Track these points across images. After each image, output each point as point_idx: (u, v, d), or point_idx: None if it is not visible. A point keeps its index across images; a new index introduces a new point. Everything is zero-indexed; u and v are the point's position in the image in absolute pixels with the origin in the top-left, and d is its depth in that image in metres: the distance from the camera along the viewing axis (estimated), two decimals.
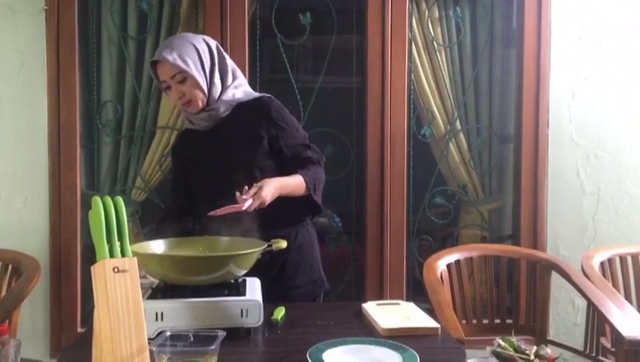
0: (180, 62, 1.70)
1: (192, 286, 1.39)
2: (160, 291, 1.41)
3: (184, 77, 1.72)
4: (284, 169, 1.75)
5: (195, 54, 1.74)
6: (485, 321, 2.29)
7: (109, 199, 1.15)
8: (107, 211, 1.14)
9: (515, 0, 2.71)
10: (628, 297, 2.26)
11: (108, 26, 2.62)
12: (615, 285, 2.25)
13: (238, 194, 1.51)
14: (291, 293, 1.74)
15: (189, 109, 1.77)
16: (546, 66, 2.62)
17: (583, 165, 2.66)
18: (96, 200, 1.14)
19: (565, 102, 2.65)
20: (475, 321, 2.26)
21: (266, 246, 1.48)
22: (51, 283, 2.51)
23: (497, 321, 2.32)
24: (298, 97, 2.66)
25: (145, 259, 1.39)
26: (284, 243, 1.52)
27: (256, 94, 1.85)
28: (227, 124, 1.78)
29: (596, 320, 2.08)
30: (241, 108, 1.79)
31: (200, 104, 1.76)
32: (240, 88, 1.83)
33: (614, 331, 1.83)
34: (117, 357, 1.11)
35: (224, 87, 1.79)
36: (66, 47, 2.49)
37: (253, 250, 1.43)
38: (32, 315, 2.49)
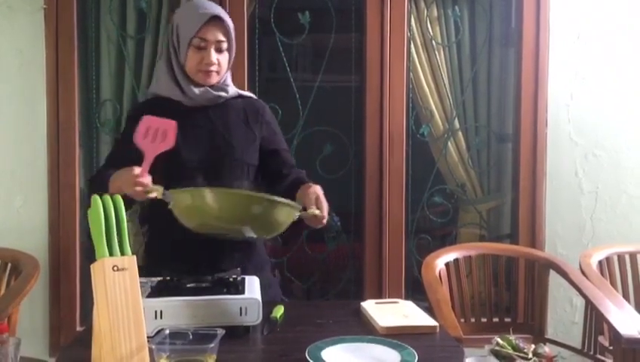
0: (232, 33, 1.69)
1: (191, 283, 1.39)
2: (159, 289, 1.41)
3: (227, 47, 1.69)
4: (267, 171, 1.76)
5: (233, 29, 1.72)
6: (484, 320, 2.29)
7: (108, 198, 1.16)
8: (106, 210, 1.15)
9: None
10: (626, 296, 2.26)
11: (107, 25, 2.62)
12: (613, 284, 2.26)
13: (315, 211, 1.49)
14: None
15: (208, 80, 1.69)
16: (544, 66, 2.63)
17: (582, 164, 2.66)
18: (96, 199, 1.14)
19: (563, 101, 2.65)
20: (473, 320, 2.27)
21: (301, 208, 1.49)
22: (50, 282, 2.51)
23: (496, 320, 2.32)
24: (297, 96, 2.66)
25: (182, 196, 1.41)
26: (317, 211, 1.50)
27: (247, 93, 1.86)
28: (222, 111, 1.73)
29: (594, 319, 2.09)
30: (239, 100, 1.78)
31: (219, 80, 1.72)
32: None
33: (612, 329, 1.84)
34: (116, 355, 1.12)
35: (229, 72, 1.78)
36: (64, 46, 2.49)
37: (292, 203, 1.45)
38: (32, 314, 2.49)
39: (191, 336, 1.19)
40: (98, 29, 2.63)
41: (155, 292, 1.40)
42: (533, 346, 1.61)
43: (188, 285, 1.43)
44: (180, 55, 1.68)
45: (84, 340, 1.21)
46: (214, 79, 1.70)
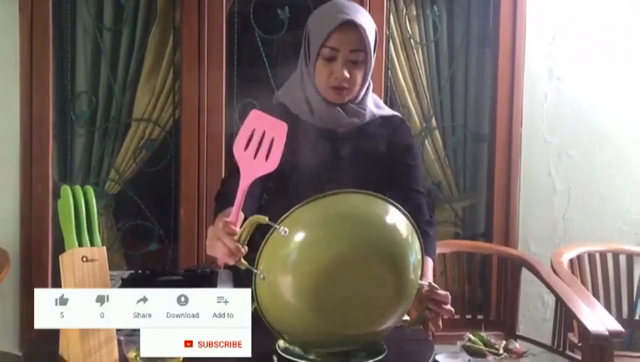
0: (372, 42, 1.39)
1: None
2: (130, 282, 1.40)
3: (362, 58, 1.39)
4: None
5: (374, 39, 1.41)
6: (457, 316, 2.31)
7: (78, 188, 1.15)
8: (76, 200, 1.14)
9: (491, 0, 2.74)
10: (595, 293, 2.31)
11: (83, 16, 2.58)
12: (583, 282, 2.30)
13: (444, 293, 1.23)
14: None
15: (339, 97, 1.41)
16: (520, 66, 2.66)
17: (555, 164, 2.70)
18: (66, 189, 1.13)
19: (538, 101, 2.69)
20: (446, 316, 2.28)
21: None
22: (21, 275, 2.47)
23: (469, 317, 2.35)
24: (276, 92, 2.65)
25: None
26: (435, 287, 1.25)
27: (387, 109, 1.54)
28: (355, 135, 1.44)
29: (564, 316, 2.13)
30: (377, 120, 1.48)
31: (352, 97, 1.44)
32: (372, 97, 1.51)
33: (581, 326, 1.88)
34: (84, 347, 1.11)
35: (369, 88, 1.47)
36: (39, 37, 2.45)
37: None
38: (2, 307, 2.44)
39: None
40: (74, 19, 2.58)
41: (126, 284, 1.38)
42: (504, 342, 1.64)
43: (159, 278, 1.42)
44: (310, 67, 1.43)
45: (52, 333, 1.19)
46: (344, 96, 1.42)
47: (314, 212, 1.09)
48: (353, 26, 1.36)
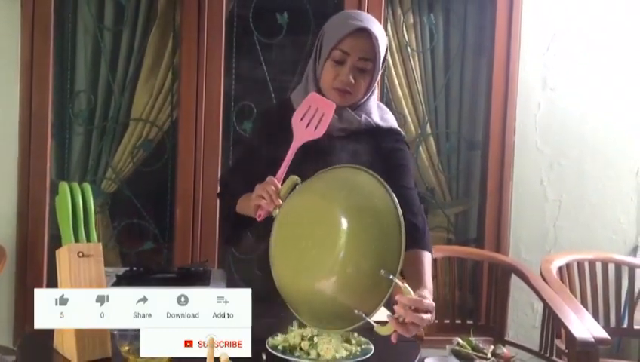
0: (382, 54, 1.44)
1: None
2: (125, 279, 1.43)
3: (370, 68, 1.44)
4: None
5: (384, 52, 1.46)
6: (447, 321, 2.34)
7: (76, 185, 1.17)
8: (74, 197, 1.16)
9: (487, 10, 2.78)
10: (584, 301, 2.34)
11: (84, 16, 2.61)
12: (572, 289, 2.33)
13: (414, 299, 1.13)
14: None
15: (341, 100, 1.45)
16: (514, 76, 2.69)
17: (547, 173, 2.74)
18: (63, 186, 1.16)
19: (531, 111, 2.72)
20: (436, 321, 2.31)
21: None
22: (17, 271, 2.49)
23: (458, 322, 2.37)
24: (273, 96, 2.69)
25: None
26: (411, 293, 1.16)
27: (392, 123, 1.57)
28: (352, 141, 1.47)
29: (552, 323, 2.15)
30: (373, 129, 1.51)
31: (351, 102, 1.48)
32: (376, 107, 1.54)
33: (567, 332, 1.91)
34: (79, 341, 1.13)
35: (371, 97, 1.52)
36: (40, 35, 2.47)
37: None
38: None
39: None
40: (75, 19, 2.61)
41: (121, 281, 1.41)
42: (492, 347, 1.67)
43: (153, 276, 1.45)
44: (318, 67, 1.48)
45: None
46: (348, 101, 1.47)
47: (319, 177, 1.31)
48: (367, 35, 1.41)
